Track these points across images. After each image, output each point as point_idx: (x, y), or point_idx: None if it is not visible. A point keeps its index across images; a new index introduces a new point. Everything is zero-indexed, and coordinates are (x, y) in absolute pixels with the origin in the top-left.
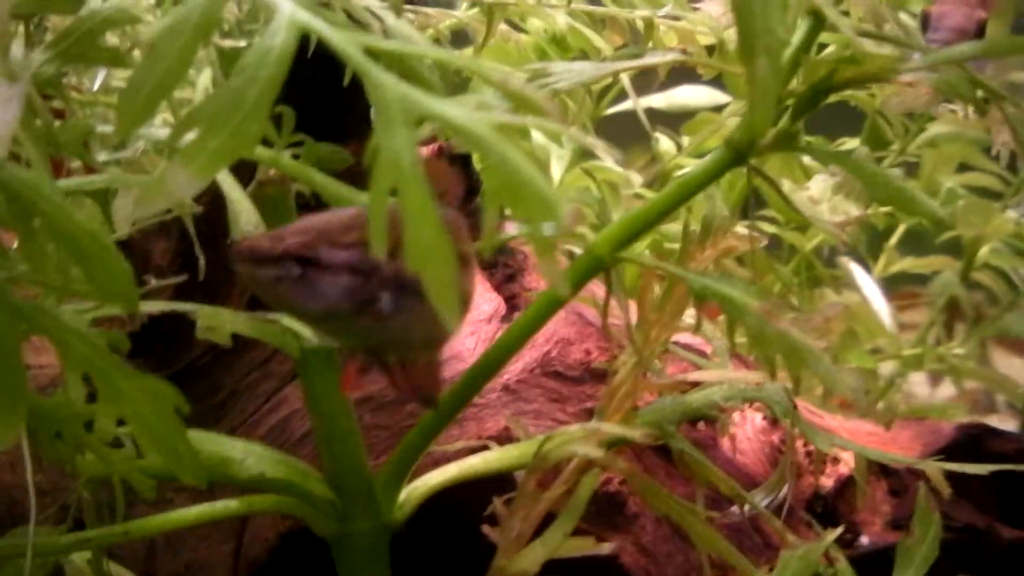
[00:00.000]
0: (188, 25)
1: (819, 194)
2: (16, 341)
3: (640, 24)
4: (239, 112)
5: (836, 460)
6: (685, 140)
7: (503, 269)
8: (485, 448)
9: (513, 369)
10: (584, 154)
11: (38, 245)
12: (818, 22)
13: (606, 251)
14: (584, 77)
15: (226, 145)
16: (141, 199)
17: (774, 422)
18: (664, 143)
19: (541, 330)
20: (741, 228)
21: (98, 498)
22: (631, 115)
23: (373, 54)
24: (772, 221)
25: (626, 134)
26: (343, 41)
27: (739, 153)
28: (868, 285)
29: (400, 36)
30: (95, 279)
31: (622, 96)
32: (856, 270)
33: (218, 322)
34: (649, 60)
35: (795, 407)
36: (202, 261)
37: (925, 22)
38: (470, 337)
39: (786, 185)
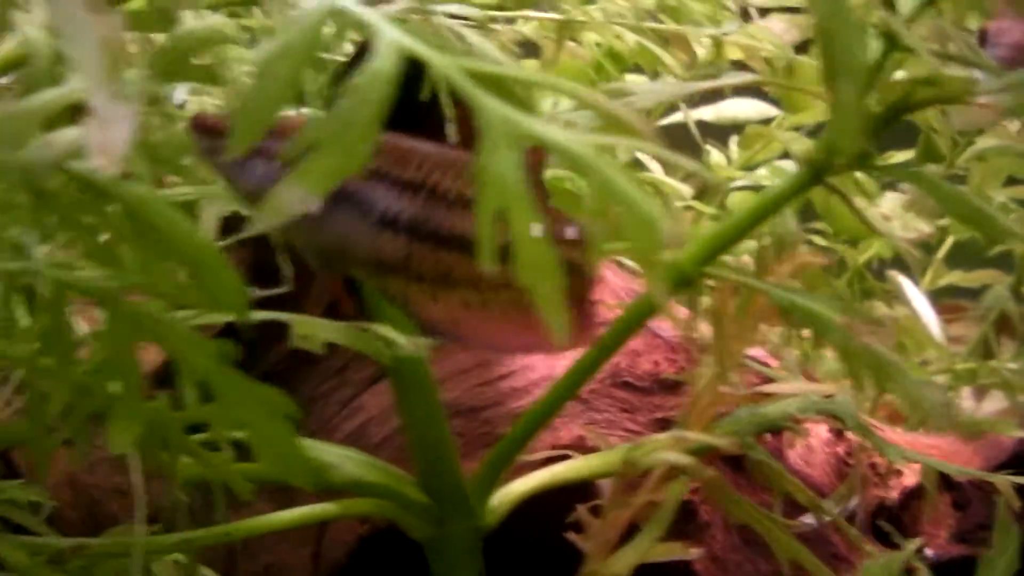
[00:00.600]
0: (294, 48)
1: (890, 211)
2: (133, 350)
3: (703, 40)
4: (350, 133)
5: (899, 472)
6: (733, 152)
7: None
8: (564, 457)
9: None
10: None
11: (152, 258)
12: (892, 43)
13: (691, 266)
14: (664, 96)
15: (338, 164)
16: (255, 215)
17: (839, 434)
18: (715, 156)
19: None
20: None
21: (190, 500)
22: (680, 127)
23: (471, 75)
24: (821, 234)
25: (673, 145)
26: (445, 64)
27: (817, 171)
28: (917, 298)
29: (487, 56)
30: (210, 290)
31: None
32: (905, 283)
33: (312, 331)
34: (725, 81)
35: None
36: (285, 271)
37: (982, 38)
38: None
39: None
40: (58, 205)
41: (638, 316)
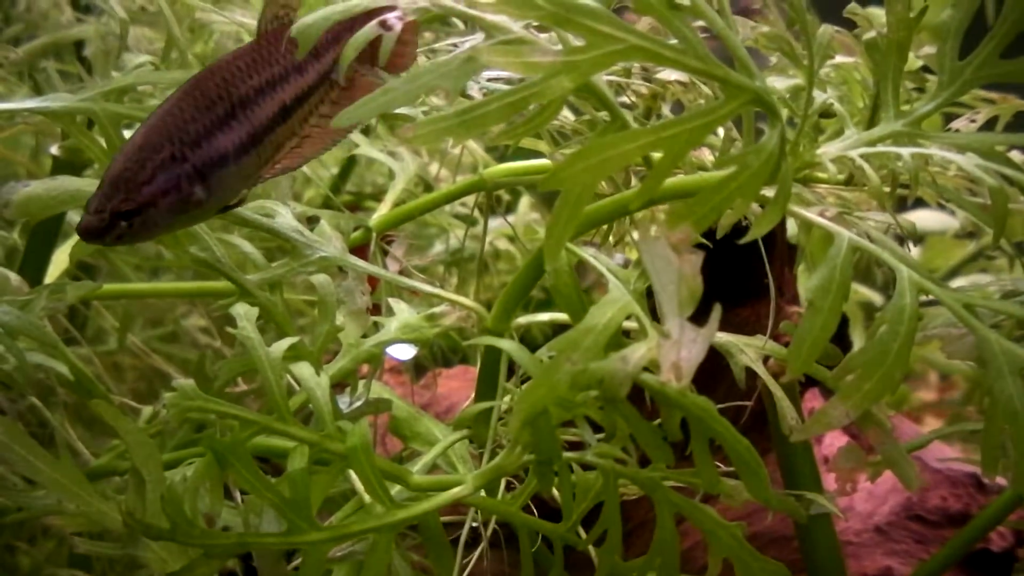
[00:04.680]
0: (834, 284)
1: None
2: (676, 531)
3: None
4: (886, 360)
5: None
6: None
7: None
8: None
9: (882, 511)
10: None
11: (705, 456)
12: None
13: None
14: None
15: (876, 387)
16: (802, 428)
17: None
18: None
19: None
20: None
21: None
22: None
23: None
24: None
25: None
26: (949, 298)
27: None
28: None
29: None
30: (751, 485)
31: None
32: None
33: (736, 493)
34: None
35: None
36: None
37: None
38: (865, 503)
39: None
40: (622, 408)
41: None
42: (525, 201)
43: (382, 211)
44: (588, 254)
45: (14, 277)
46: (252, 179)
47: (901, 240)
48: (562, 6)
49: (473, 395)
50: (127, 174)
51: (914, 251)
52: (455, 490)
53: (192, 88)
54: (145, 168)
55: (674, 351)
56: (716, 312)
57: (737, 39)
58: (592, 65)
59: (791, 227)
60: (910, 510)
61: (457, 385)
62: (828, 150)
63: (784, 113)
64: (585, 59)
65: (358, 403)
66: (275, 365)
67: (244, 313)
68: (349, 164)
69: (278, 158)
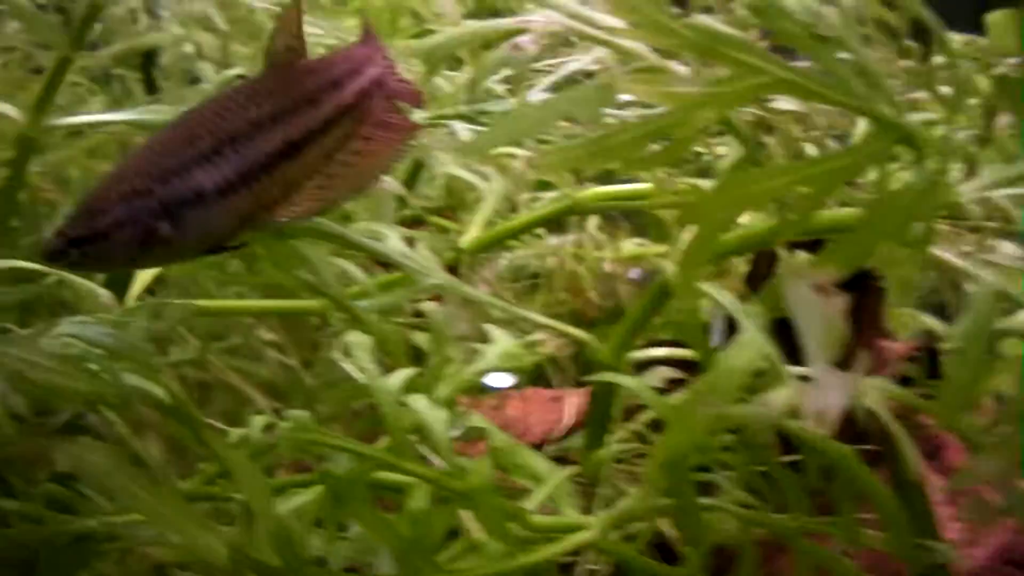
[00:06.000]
0: (982, 331)
1: None
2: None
3: None
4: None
5: None
6: None
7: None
8: None
9: (978, 554)
10: None
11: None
12: None
13: None
14: None
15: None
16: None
17: None
18: None
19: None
20: None
21: None
22: None
23: None
24: None
25: None
26: None
27: None
28: None
29: None
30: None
31: None
32: None
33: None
34: None
35: None
36: None
37: None
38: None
39: None
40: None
41: None
42: (593, 220)
43: (473, 233)
44: (710, 289)
45: (104, 293)
46: (254, 220)
47: None
48: (708, 35)
49: (561, 421)
50: (89, 202)
51: None
52: (583, 535)
53: (180, 121)
54: (108, 198)
55: (820, 397)
56: (863, 358)
57: (883, 74)
58: (737, 98)
59: None
60: (1006, 554)
61: (532, 408)
62: (966, 189)
63: None
64: (730, 91)
65: (455, 432)
66: (394, 399)
67: (359, 343)
68: (413, 178)
69: (297, 199)
